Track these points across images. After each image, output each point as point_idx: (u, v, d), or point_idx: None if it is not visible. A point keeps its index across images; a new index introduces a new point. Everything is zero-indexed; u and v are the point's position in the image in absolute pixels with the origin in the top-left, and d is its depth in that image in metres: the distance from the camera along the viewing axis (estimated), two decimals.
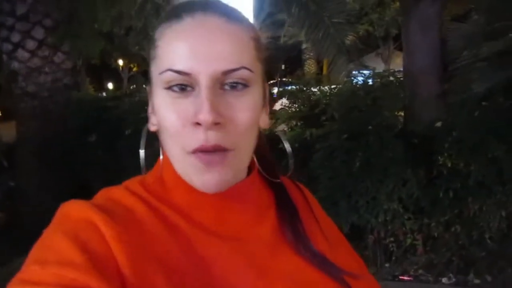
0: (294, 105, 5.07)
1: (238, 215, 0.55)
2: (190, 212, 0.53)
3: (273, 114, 5.53)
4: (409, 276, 3.41)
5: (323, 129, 3.89)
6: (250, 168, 0.58)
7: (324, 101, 4.48)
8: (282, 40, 10.47)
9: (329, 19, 3.79)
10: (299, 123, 4.73)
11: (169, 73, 0.49)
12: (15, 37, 4.57)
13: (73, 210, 0.49)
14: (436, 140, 3.34)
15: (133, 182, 0.56)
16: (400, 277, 3.40)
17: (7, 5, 4.51)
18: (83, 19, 4.86)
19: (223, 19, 0.50)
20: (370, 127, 3.44)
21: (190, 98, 0.49)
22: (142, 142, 0.59)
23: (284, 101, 5.47)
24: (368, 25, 12.28)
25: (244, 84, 0.50)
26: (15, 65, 4.62)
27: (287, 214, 0.60)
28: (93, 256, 0.43)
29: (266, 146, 0.65)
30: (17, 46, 4.58)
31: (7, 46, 4.60)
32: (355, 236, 3.52)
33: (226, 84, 0.49)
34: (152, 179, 0.57)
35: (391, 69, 3.84)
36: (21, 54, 4.60)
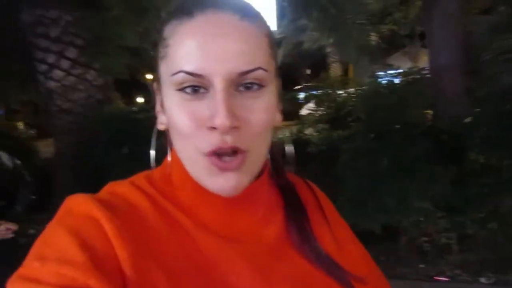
0: (320, 108, 5.09)
1: (245, 217, 0.54)
2: (195, 211, 0.52)
3: (299, 120, 5.57)
4: (445, 277, 3.33)
5: (349, 130, 3.89)
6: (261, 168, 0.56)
7: (350, 103, 4.47)
8: (306, 45, 10.48)
9: (349, 20, 3.79)
10: (325, 126, 4.75)
11: (182, 74, 0.47)
12: (50, 58, 4.82)
13: (76, 205, 0.48)
14: (466, 136, 3.28)
15: (139, 178, 0.55)
16: (436, 277, 3.33)
17: (42, 28, 4.76)
18: (111, 37, 5.06)
19: (236, 16, 0.48)
20: (396, 126, 3.41)
21: (205, 100, 0.47)
22: (153, 143, 0.59)
23: (311, 105, 5.50)
24: (392, 24, 12.10)
25: (260, 85, 0.48)
26: (51, 84, 4.86)
27: (295, 214, 0.58)
28: (94, 254, 0.43)
29: (274, 145, 0.62)
30: (52, 66, 4.83)
31: (43, 67, 4.85)
32: (387, 237, 3.49)
33: (241, 85, 0.47)
34: (159, 175, 0.56)
35: (416, 66, 3.79)
36: (56, 73, 4.84)
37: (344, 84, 5.68)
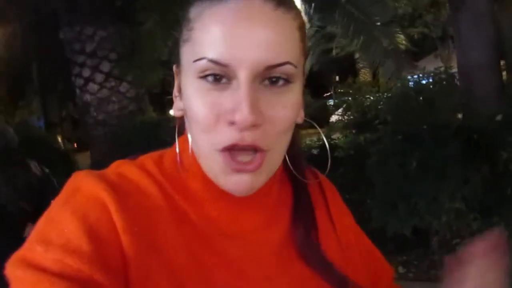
0: (348, 112, 5.08)
1: (251, 216, 0.52)
2: (202, 205, 0.50)
3: (328, 126, 5.57)
4: None
5: (377, 133, 3.86)
6: None
7: (378, 106, 4.44)
8: (334, 52, 10.46)
9: (372, 23, 3.80)
10: (353, 131, 4.73)
11: (205, 61, 0.44)
12: (86, 72, 5.08)
13: (85, 185, 0.46)
14: (497, 135, 3.19)
15: (148, 161, 0.52)
16: None
17: (78, 45, 5.04)
18: (143, 50, 5.27)
19: (271, 4, 0.44)
20: (424, 127, 3.36)
21: (226, 91, 0.44)
22: (176, 132, 0.55)
23: (340, 111, 5.50)
24: (423, 27, 11.89)
25: (287, 80, 0.45)
26: (87, 97, 5.12)
27: (303, 217, 0.56)
28: (100, 245, 0.41)
29: (298, 141, 0.59)
30: (87, 80, 5.09)
31: (79, 81, 5.12)
32: (419, 240, 3.42)
33: (266, 79, 0.45)
34: (170, 163, 0.53)
35: (441, 67, 3.74)
36: (91, 87, 5.10)
37: (372, 88, 5.65)
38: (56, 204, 0.45)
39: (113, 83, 5.14)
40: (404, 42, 4.45)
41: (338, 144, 4.39)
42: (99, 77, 5.09)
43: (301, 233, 0.54)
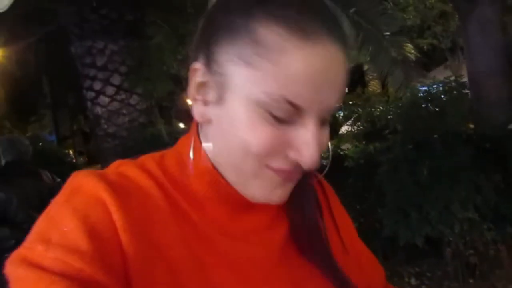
0: (358, 123, 5.06)
1: (257, 216, 0.52)
2: (205, 205, 0.50)
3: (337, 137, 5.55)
4: None
5: (387, 142, 3.83)
6: None
7: (387, 115, 4.42)
8: None
9: (381, 33, 3.80)
10: (363, 142, 4.70)
11: (280, 99, 0.43)
12: (97, 85, 5.16)
13: (86, 184, 0.46)
14: (509, 143, 3.15)
15: (149, 161, 0.52)
16: None
17: (89, 58, 5.12)
18: (153, 63, 5.34)
19: (342, 48, 0.44)
20: (435, 135, 3.33)
21: (291, 128, 0.44)
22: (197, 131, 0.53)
23: (349, 122, 5.49)
24: (432, 38, 11.88)
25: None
26: (98, 110, 5.18)
27: (310, 212, 0.56)
28: (101, 244, 0.41)
29: None
30: (98, 93, 5.15)
31: (91, 94, 5.19)
32: (432, 250, 3.36)
33: None
34: (173, 162, 0.52)
35: (451, 76, 3.72)
36: (102, 99, 5.16)
37: (382, 98, 5.63)
38: (56, 204, 0.45)
39: (123, 96, 5.19)
40: (413, 51, 4.44)
41: (348, 154, 4.36)
42: (110, 90, 5.16)
43: (306, 233, 0.54)
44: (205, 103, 0.48)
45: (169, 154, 0.54)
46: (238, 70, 0.44)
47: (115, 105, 5.18)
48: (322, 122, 0.46)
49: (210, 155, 0.49)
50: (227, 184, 0.49)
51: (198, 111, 0.49)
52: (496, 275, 3.23)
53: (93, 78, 5.16)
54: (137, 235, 0.43)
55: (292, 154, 0.45)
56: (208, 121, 0.48)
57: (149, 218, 0.46)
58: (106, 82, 5.14)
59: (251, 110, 0.44)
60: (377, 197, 3.51)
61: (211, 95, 0.47)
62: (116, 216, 0.43)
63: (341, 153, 4.53)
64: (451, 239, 3.23)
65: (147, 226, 0.45)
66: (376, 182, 3.51)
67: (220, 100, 0.46)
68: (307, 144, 0.44)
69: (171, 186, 0.49)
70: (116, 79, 5.18)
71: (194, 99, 0.49)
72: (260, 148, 0.44)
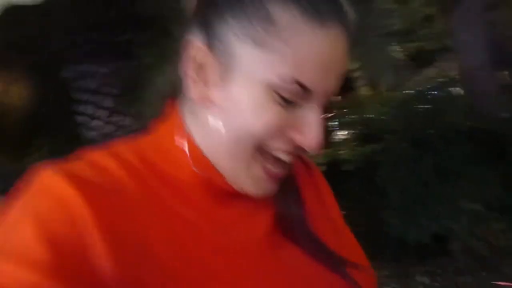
0: (353, 127, 5.05)
1: (240, 203, 0.50)
2: (189, 192, 0.47)
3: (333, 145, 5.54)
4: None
5: (384, 143, 3.82)
6: None
7: (381, 116, 4.42)
8: None
9: (369, 38, 3.83)
10: (360, 144, 4.68)
11: (291, 81, 0.42)
12: (90, 109, 5.14)
13: (54, 184, 0.40)
14: (509, 133, 3.14)
15: (124, 149, 0.48)
16: (501, 283, 3.09)
17: (82, 82, 5.12)
18: (144, 84, 5.34)
19: (348, 33, 0.45)
20: (430, 131, 3.33)
21: (295, 110, 0.44)
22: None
23: (344, 131, 5.49)
24: (418, 41, 12.04)
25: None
26: (92, 134, 5.15)
27: (288, 198, 0.54)
28: (65, 254, 0.36)
29: None
30: (92, 117, 5.13)
31: (83, 118, 5.16)
32: (440, 246, 3.31)
33: None
34: (150, 148, 0.49)
35: (442, 73, 3.75)
36: (96, 123, 5.13)
37: (374, 100, 5.64)
38: (15, 208, 0.40)
39: (116, 118, 5.17)
40: (401, 52, 4.47)
41: (345, 158, 4.34)
42: (103, 113, 5.14)
43: (288, 215, 0.52)
44: (206, 84, 0.46)
45: (145, 140, 0.50)
46: (247, 50, 0.43)
47: (109, 128, 5.15)
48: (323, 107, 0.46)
49: (197, 141, 0.47)
50: (216, 171, 0.47)
51: (198, 92, 0.46)
52: (508, 265, 3.18)
53: (86, 102, 5.15)
54: (116, 237, 0.39)
55: (296, 137, 0.44)
56: (210, 103, 0.46)
57: (128, 215, 0.42)
58: (99, 105, 5.13)
59: (259, 90, 0.43)
60: (380, 198, 3.48)
61: (213, 76, 0.45)
62: (88, 219, 0.38)
63: (340, 158, 4.51)
64: (459, 234, 3.19)
65: (127, 224, 0.41)
66: (377, 183, 3.48)
67: (223, 80, 0.44)
68: (312, 125, 0.44)
69: (151, 174, 0.46)
70: (108, 102, 5.16)
71: (193, 80, 0.46)
72: (266, 128, 0.43)
